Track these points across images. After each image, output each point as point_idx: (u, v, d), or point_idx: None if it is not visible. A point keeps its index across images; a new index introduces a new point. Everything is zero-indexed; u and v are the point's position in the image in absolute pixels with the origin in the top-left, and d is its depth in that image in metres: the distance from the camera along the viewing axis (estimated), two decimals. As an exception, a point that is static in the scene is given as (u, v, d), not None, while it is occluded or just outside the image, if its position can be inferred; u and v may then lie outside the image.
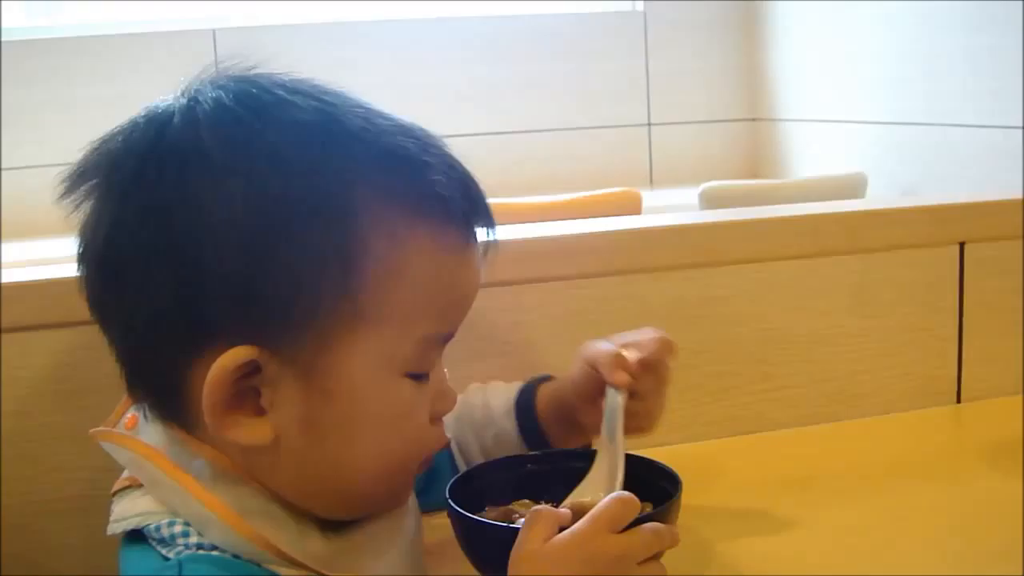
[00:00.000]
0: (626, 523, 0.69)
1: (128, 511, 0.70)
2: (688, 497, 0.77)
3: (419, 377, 0.72)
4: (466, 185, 0.72)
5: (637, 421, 0.87)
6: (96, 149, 0.69)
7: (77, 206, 0.69)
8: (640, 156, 3.30)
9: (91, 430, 0.73)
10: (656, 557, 0.71)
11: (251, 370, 0.66)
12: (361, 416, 0.69)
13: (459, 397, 0.93)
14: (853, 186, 2.52)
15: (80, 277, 0.70)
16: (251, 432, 0.67)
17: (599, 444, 0.85)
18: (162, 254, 0.65)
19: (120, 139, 0.69)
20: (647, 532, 0.70)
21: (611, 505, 0.70)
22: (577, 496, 0.82)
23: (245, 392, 0.67)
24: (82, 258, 0.70)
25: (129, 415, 0.75)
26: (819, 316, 1.18)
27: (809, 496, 0.99)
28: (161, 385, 0.69)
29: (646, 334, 0.89)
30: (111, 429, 0.74)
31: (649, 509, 0.76)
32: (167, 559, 0.67)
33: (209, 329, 0.66)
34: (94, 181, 0.69)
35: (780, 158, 3.25)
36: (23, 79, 2.85)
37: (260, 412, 0.67)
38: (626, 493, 0.72)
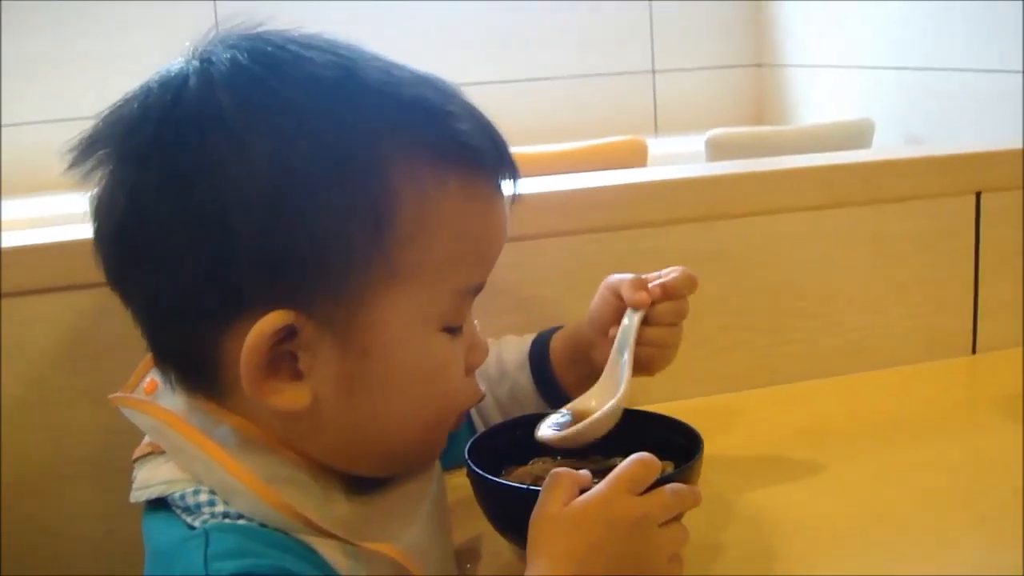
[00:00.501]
0: (646, 484, 0.69)
1: (151, 479, 0.69)
2: (706, 450, 0.77)
3: (454, 330, 0.71)
4: (491, 134, 0.70)
5: (647, 350, 0.87)
6: (107, 117, 0.67)
7: (87, 177, 0.67)
8: (645, 103, 3.27)
9: (110, 396, 0.72)
10: (678, 518, 0.71)
11: (287, 334, 0.64)
12: (399, 372, 0.68)
13: None
14: (860, 132, 2.50)
15: (96, 253, 0.68)
16: (290, 397, 0.66)
17: (608, 362, 0.85)
18: (186, 223, 0.64)
19: (135, 105, 0.66)
20: (668, 494, 0.69)
21: (631, 467, 0.69)
22: (580, 404, 0.83)
23: (282, 357, 0.65)
24: (97, 231, 0.68)
25: (148, 379, 0.73)
26: (833, 268, 1.17)
27: (825, 448, 0.98)
28: (191, 356, 0.67)
29: (668, 269, 0.89)
30: (130, 395, 0.72)
31: (670, 468, 0.76)
32: (192, 527, 0.66)
33: (240, 297, 0.64)
34: (107, 151, 0.66)
35: (785, 104, 3.22)
36: (23, 32, 2.81)
37: (297, 376, 0.66)
38: (646, 455, 0.71)
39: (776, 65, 3.25)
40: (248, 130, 0.63)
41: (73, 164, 0.67)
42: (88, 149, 0.67)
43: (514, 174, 0.73)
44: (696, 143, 2.41)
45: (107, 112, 0.67)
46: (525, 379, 0.93)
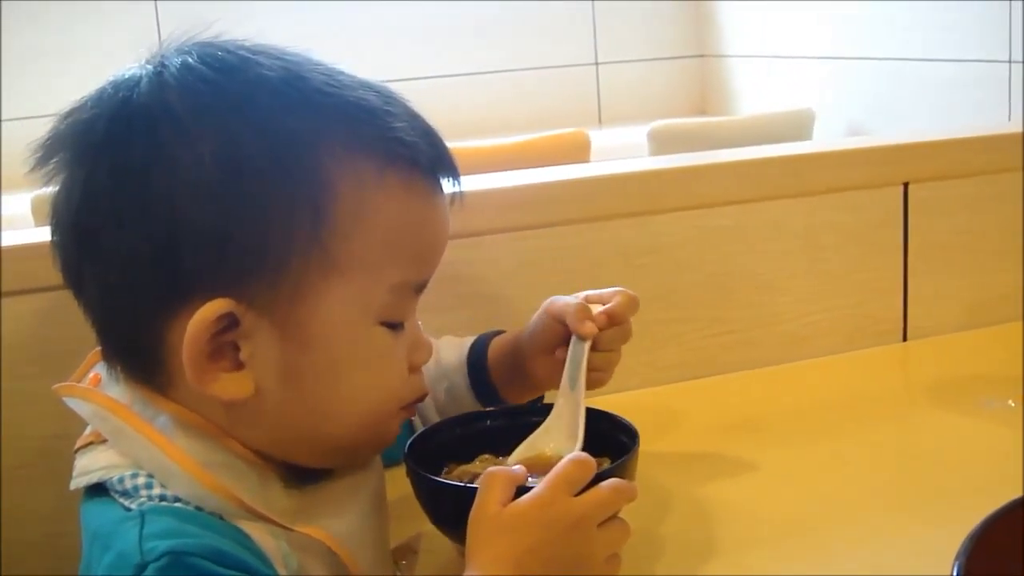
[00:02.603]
0: (582, 484, 0.70)
1: (91, 465, 0.71)
2: (644, 444, 0.78)
3: (394, 326, 0.73)
4: (429, 135, 0.73)
5: (596, 374, 0.88)
6: (64, 119, 0.69)
7: (49, 180, 0.70)
8: (588, 95, 3.29)
9: (54, 385, 0.73)
10: (616, 514, 0.72)
11: (228, 324, 0.67)
12: (338, 364, 0.70)
13: None
14: (801, 122, 2.53)
15: (53, 247, 0.71)
16: (232, 386, 0.68)
17: (559, 394, 0.86)
18: (135, 213, 0.66)
19: (89, 106, 0.69)
20: (605, 491, 0.70)
21: (567, 468, 0.71)
22: (537, 447, 0.83)
23: (224, 347, 0.67)
24: (55, 228, 0.70)
25: (92, 374, 0.75)
26: (766, 260, 1.19)
27: (762, 437, 1.01)
28: (137, 345, 0.69)
29: (610, 290, 0.91)
30: (75, 383, 0.73)
31: (607, 463, 0.77)
32: (129, 510, 0.67)
33: (185, 285, 0.66)
34: (64, 151, 0.69)
35: (728, 94, 3.25)
36: (23, 26, 2.79)
37: (239, 366, 0.68)
38: (581, 454, 0.73)
39: (719, 56, 3.28)
40: (195, 126, 0.66)
41: (35, 166, 0.69)
42: (48, 151, 0.69)
43: (454, 175, 0.76)
44: (640, 134, 2.43)
45: (64, 114, 0.70)
46: (462, 381, 0.94)
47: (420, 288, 0.75)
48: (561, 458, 0.74)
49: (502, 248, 1.10)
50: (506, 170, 1.24)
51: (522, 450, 0.83)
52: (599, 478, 0.71)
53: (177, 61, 0.69)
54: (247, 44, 0.71)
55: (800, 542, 0.81)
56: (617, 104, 3.28)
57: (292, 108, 0.68)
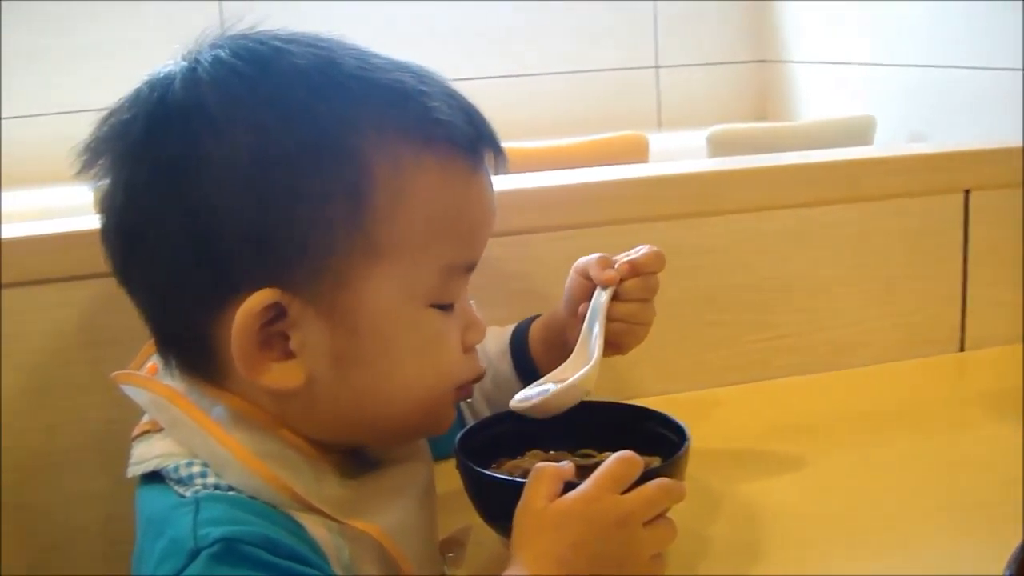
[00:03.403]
0: (629, 482, 0.70)
1: (147, 453, 0.72)
2: (694, 445, 0.78)
3: (445, 307, 0.73)
4: (467, 112, 0.73)
5: (617, 326, 0.89)
6: (104, 122, 0.70)
7: (97, 183, 0.71)
8: (648, 98, 3.28)
9: (113, 373, 0.74)
10: (663, 514, 0.72)
11: (276, 314, 0.67)
12: (389, 349, 0.71)
13: None
14: (861, 129, 2.50)
15: (104, 248, 0.72)
16: (283, 376, 0.69)
17: (579, 341, 0.87)
18: (177, 210, 0.67)
19: (126, 107, 0.70)
20: (652, 490, 0.70)
21: (614, 465, 0.71)
22: (556, 376, 0.85)
23: (274, 337, 0.68)
24: (104, 230, 0.72)
25: (150, 363, 0.76)
26: (821, 265, 1.18)
27: (812, 444, 1.00)
28: (188, 339, 0.70)
29: (640, 248, 0.91)
30: (134, 372, 0.75)
31: (657, 463, 0.77)
32: (183, 497, 0.68)
33: (230, 278, 0.67)
34: (106, 153, 0.70)
35: (789, 100, 3.23)
36: (22, 26, 2.83)
37: (290, 356, 0.69)
38: (628, 453, 0.72)
39: (779, 61, 3.25)
40: (229, 120, 0.67)
41: (81, 170, 0.70)
42: (90, 154, 0.70)
43: (496, 149, 0.75)
44: (698, 139, 2.42)
45: (103, 116, 0.71)
46: (507, 367, 0.95)
47: (469, 268, 0.75)
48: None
49: (551, 246, 1.10)
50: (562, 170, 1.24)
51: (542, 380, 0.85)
52: (647, 476, 0.71)
53: (210, 56, 0.69)
54: (280, 34, 0.71)
55: (847, 547, 0.81)
56: (677, 108, 3.27)
57: (325, 95, 0.68)
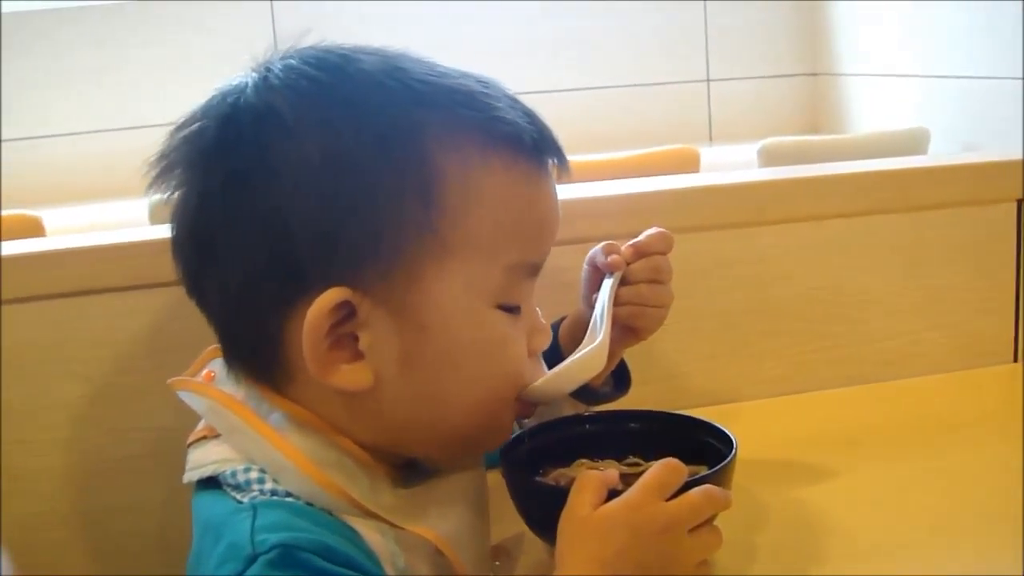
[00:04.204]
0: (673, 489, 0.70)
1: (204, 459, 0.73)
2: (742, 454, 0.78)
3: (511, 309, 0.74)
4: (530, 116, 0.74)
5: (628, 309, 0.88)
6: (174, 133, 0.72)
7: (170, 195, 0.73)
8: (700, 112, 3.28)
9: (170, 379, 0.76)
10: (710, 521, 0.72)
11: (346, 314, 0.68)
12: (457, 348, 0.71)
13: None
14: (915, 141, 2.49)
15: (174, 258, 0.74)
16: (353, 377, 0.69)
17: (590, 323, 0.86)
18: (249, 213, 0.69)
19: (197, 116, 0.72)
20: (696, 497, 0.70)
21: (658, 472, 0.71)
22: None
23: (343, 338, 0.69)
24: (175, 240, 0.73)
25: (206, 371, 0.77)
26: (871, 275, 1.17)
27: (862, 453, 0.99)
28: (257, 343, 0.71)
29: (647, 231, 0.91)
30: (190, 378, 0.76)
31: (704, 471, 0.77)
32: (240, 503, 0.69)
33: (302, 279, 0.68)
34: (177, 164, 0.72)
35: (841, 113, 3.21)
36: (21, 51, 2.90)
37: (359, 356, 0.70)
38: (673, 460, 0.72)
39: (831, 74, 3.23)
40: (299, 123, 0.68)
41: (153, 181, 0.72)
42: (162, 165, 0.72)
43: (558, 155, 0.76)
44: (750, 152, 2.42)
45: (175, 127, 0.72)
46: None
47: (534, 270, 0.75)
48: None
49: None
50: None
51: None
52: (693, 484, 0.71)
53: (280, 65, 0.71)
54: (347, 45, 0.74)
55: (897, 561, 0.80)
56: (728, 121, 3.26)
57: (393, 98, 0.69)
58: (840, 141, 2.68)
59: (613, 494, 0.70)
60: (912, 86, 2.84)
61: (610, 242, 0.90)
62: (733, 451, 0.78)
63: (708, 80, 3.27)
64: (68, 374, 1.01)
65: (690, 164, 2.34)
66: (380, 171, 0.68)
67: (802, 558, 0.80)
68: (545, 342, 0.79)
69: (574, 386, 0.81)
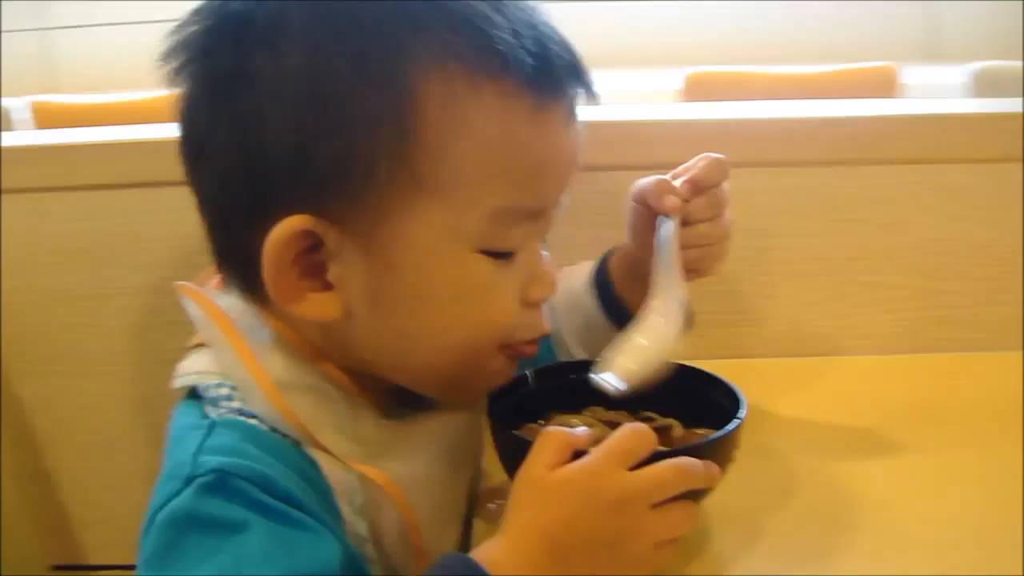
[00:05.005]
0: (639, 458, 0.63)
1: (189, 368, 0.72)
2: (807, 414, 0.73)
3: (500, 255, 0.68)
4: (543, 45, 0.65)
5: (691, 252, 0.80)
6: (175, 31, 0.68)
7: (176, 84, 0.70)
8: (912, 28, 3.03)
9: (176, 283, 0.74)
10: (696, 497, 0.65)
11: (314, 242, 0.65)
12: (428, 291, 0.67)
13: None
14: None
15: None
16: (319, 307, 0.66)
17: (654, 283, 0.78)
18: (228, 124, 0.65)
19: (193, 17, 0.68)
20: (665, 470, 0.63)
21: (624, 437, 0.64)
22: (634, 341, 0.75)
23: (315, 267, 0.66)
24: (179, 140, 0.70)
25: (219, 277, 0.75)
26: (1005, 229, 1.03)
27: (941, 433, 0.86)
28: (237, 257, 0.69)
29: (695, 159, 0.81)
30: (191, 285, 0.74)
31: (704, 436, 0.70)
32: (205, 419, 0.68)
33: (271, 200, 0.64)
34: (175, 65, 0.68)
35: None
36: None
37: (328, 287, 0.66)
38: (642, 425, 0.65)
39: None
40: (280, 33, 0.63)
41: (168, 76, 0.68)
42: (170, 60, 0.68)
43: (576, 92, 0.68)
44: (963, 75, 2.22)
45: (177, 26, 0.68)
46: (591, 303, 0.88)
47: (534, 215, 0.69)
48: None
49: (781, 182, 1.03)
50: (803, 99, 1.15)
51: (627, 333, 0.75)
52: (676, 454, 0.64)
53: None
54: None
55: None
56: (942, 40, 3.00)
57: (382, 17, 0.63)
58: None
59: (579, 456, 0.64)
60: None
61: (661, 178, 0.80)
62: (735, 423, 0.69)
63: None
64: (136, 266, 1.02)
65: (887, 84, 2.17)
66: (355, 93, 0.62)
67: (804, 549, 0.71)
68: (545, 292, 0.72)
69: (660, 364, 0.73)
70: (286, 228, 0.63)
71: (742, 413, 0.70)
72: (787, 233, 1.03)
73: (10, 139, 1.09)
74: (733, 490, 0.68)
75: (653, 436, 0.64)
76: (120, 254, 1.05)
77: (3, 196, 1.04)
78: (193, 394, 0.71)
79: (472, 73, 0.63)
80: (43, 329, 1.08)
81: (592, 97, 0.70)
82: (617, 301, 0.87)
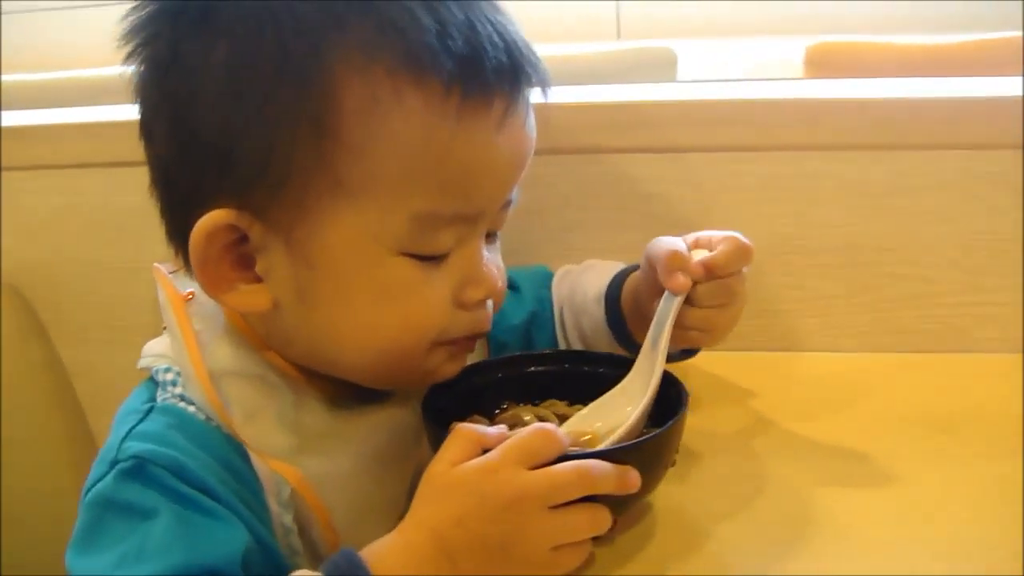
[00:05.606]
0: (542, 460, 0.62)
1: (149, 350, 0.74)
2: (810, 417, 0.71)
3: (425, 258, 0.67)
4: (475, 46, 0.63)
5: (692, 334, 0.77)
6: (128, 13, 0.69)
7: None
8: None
9: (154, 264, 0.76)
10: (621, 504, 0.63)
11: (242, 234, 0.66)
12: (348, 289, 0.67)
13: (569, 275, 0.89)
14: None
15: None
16: (249, 298, 0.68)
17: (641, 352, 0.76)
18: (166, 110, 0.67)
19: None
20: (564, 472, 0.61)
21: (528, 437, 0.63)
22: (608, 408, 0.74)
23: (245, 258, 0.67)
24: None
25: None
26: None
27: (951, 446, 0.80)
28: (183, 243, 0.69)
29: (721, 234, 0.77)
30: (163, 267, 0.76)
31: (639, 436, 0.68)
32: (151, 402, 0.70)
33: (205, 188, 0.66)
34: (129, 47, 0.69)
35: None
36: None
37: (257, 279, 0.68)
38: (549, 426, 0.64)
39: None
40: (212, 20, 0.64)
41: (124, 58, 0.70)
42: (124, 41, 0.69)
43: (524, 86, 0.67)
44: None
45: (132, 7, 0.69)
46: (600, 315, 0.86)
47: (468, 219, 0.68)
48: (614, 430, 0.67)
49: (708, 169, 0.98)
50: (922, 75, 1.08)
51: (589, 412, 0.75)
52: (588, 456, 0.62)
53: None
54: None
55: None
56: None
57: (308, 15, 0.63)
58: None
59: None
60: None
61: (676, 249, 0.76)
62: (655, 433, 0.66)
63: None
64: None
65: (1013, 55, 2.02)
66: (275, 89, 0.62)
67: (805, 549, 0.68)
68: (480, 294, 0.70)
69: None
70: (208, 221, 0.64)
71: (680, 415, 0.67)
72: (810, 222, 0.98)
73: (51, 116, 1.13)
74: (737, 491, 0.68)
75: (560, 437, 0.62)
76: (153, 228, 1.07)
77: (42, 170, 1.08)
78: (152, 376, 0.72)
79: (394, 75, 0.62)
80: (83, 299, 1.12)
81: (543, 94, 0.69)
82: (623, 324, 0.85)
